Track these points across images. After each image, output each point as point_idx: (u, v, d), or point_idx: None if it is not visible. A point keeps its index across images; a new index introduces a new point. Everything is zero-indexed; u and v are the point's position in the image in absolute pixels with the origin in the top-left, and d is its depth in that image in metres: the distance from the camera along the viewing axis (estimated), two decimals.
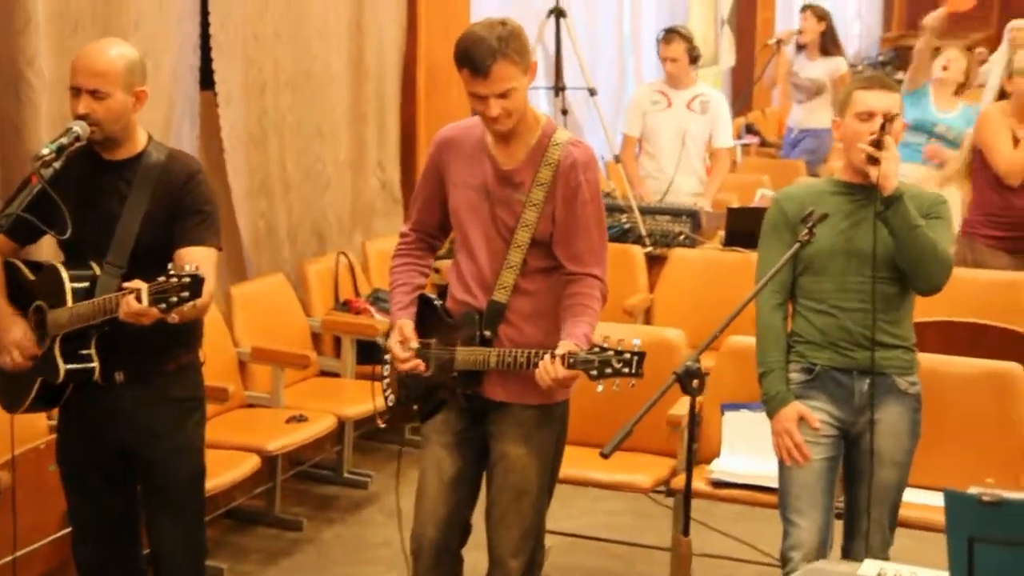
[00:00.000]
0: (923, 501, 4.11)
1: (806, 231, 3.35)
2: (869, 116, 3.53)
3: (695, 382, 2.82)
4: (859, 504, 3.63)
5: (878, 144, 3.43)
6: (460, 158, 3.54)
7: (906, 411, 3.63)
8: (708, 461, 4.39)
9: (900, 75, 14.89)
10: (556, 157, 3.44)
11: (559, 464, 3.68)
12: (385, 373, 3.75)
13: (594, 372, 3.20)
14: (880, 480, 3.58)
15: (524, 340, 3.48)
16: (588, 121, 7.85)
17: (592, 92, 6.66)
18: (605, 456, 2.81)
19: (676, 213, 6.38)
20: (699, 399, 4.47)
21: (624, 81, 9.07)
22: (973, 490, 1.94)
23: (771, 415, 3.64)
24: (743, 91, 10.66)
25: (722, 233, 6.44)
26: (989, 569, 2.15)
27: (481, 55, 3.28)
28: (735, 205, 6.86)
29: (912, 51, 7.34)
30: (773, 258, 3.58)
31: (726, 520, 4.68)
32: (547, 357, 3.26)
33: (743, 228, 6.13)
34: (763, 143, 10.35)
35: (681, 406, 4.37)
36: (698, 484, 4.23)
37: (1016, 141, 5.52)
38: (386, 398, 3.76)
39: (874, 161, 3.44)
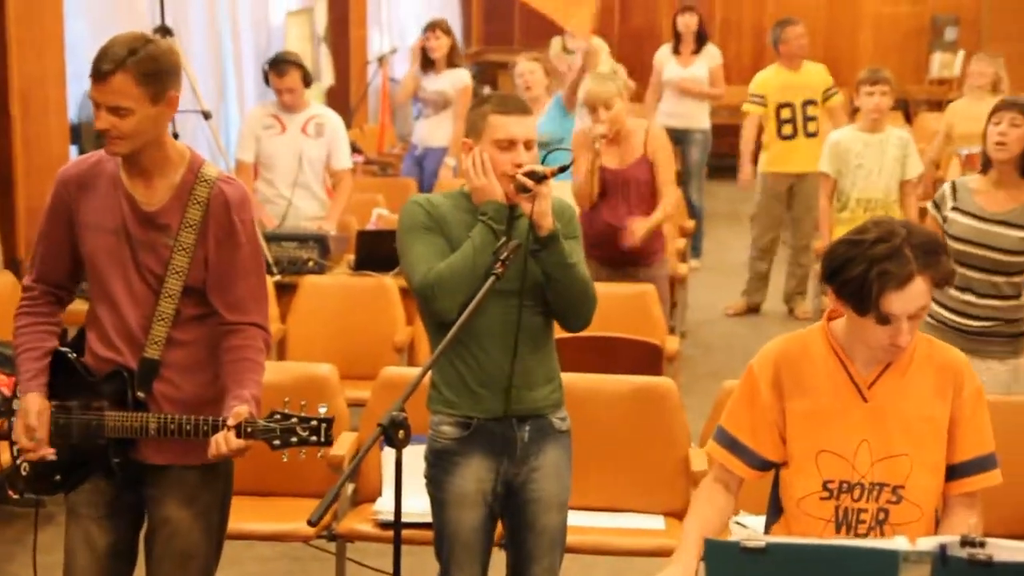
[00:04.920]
0: (581, 523, 4.06)
1: (500, 263, 3.10)
2: (511, 144, 3.27)
3: (401, 433, 2.65)
4: (526, 553, 3.46)
5: (534, 176, 3.20)
6: (91, 198, 3.20)
7: (564, 451, 3.45)
8: (371, 500, 4.22)
9: (486, 88, 15.35)
10: (205, 195, 3.18)
11: (226, 523, 3.41)
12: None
13: (277, 442, 3.02)
14: (549, 526, 3.44)
15: (181, 396, 3.22)
16: (200, 145, 7.49)
17: (207, 115, 6.35)
18: (313, 524, 2.59)
19: (303, 239, 6.20)
20: (357, 434, 4.38)
21: (226, 104, 8.72)
22: (734, 537, 1.87)
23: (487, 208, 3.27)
24: (347, 109, 10.56)
25: (351, 257, 6.31)
26: None
27: (103, 59, 3.03)
28: (357, 227, 6.76)
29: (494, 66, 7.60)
30: (430, 254, 3.26)
31: (377, 555, 4.52)
32: (224, 432, 3.03)
33: (373, 252, 6.06)
34: (368, 161, 10.28)
35: (341, 445, 4.20)
36: (363, 526, 4.10)
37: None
38: (19, 467, 3.36)
39: (525, 190, 3.20)
